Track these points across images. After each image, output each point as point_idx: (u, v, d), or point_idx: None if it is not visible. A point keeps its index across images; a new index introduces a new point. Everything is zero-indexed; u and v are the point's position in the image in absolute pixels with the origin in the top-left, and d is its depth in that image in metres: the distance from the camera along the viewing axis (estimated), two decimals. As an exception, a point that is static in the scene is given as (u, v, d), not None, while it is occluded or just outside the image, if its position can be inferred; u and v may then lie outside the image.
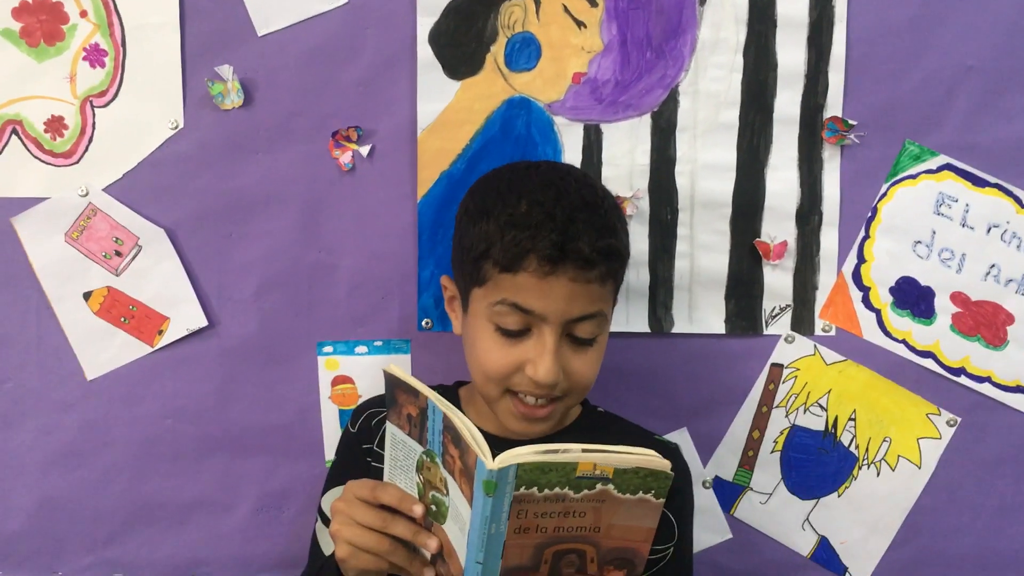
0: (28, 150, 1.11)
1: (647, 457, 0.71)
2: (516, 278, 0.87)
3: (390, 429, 0.83)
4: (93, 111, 1.10)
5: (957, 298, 1.13)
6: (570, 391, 0.91)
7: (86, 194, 1.11)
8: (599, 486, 0.71)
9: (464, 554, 0.75)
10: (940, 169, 1.11)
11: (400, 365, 1.04)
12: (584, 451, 0.70)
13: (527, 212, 0.87)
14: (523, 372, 0.89)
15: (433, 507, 0.79)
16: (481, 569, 0.73)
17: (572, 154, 1.12)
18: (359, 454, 1.01)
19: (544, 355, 0.87)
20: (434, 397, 0.75)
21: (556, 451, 0.70)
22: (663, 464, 0.72)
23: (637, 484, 0.72)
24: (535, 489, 0.71)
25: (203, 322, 1.12)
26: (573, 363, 0.90)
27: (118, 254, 1.11)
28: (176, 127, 1.10)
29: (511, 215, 0.87)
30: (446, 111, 1.10)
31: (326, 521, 0.96)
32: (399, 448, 0.82)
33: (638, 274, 1.13)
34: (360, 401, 1.11)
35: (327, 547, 0.99)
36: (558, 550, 0.75)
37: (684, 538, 0.99)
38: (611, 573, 0.77)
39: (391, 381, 0.81)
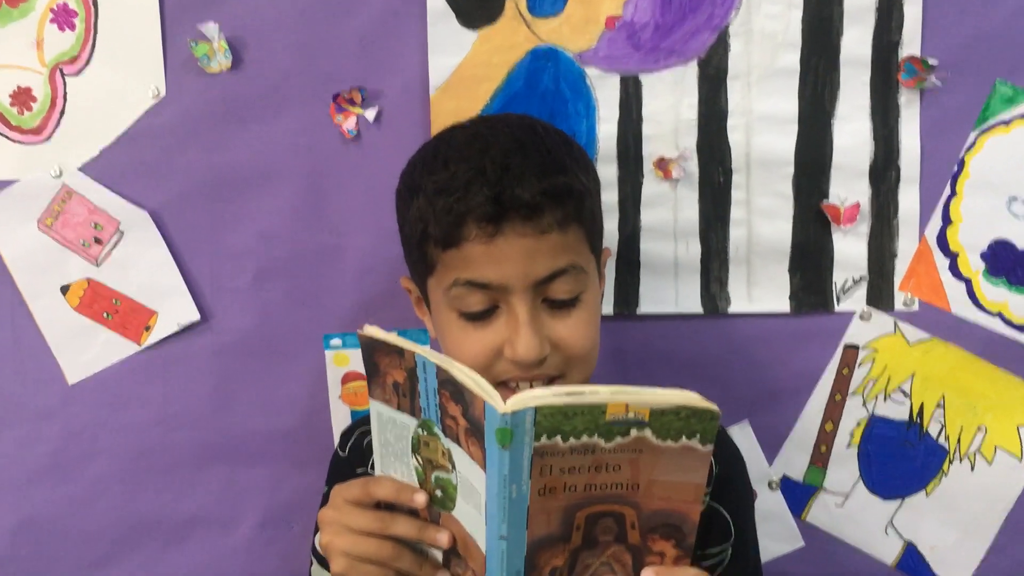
0: (-8, 127, 1.09)
1: (688, 397, 0.68)
2: (461, 251, 0.84)
3: (375, 408, 0.79)
4: (64, 80, 1.08)
5: (1061, 263, 1.08)
6: (566, 366, 0.87)
7: (59, 175, 1.09)
8: (634, 432, 0.68)
9: (483, 537, 0.72)
10: (1038, 113, 1.07)
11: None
12: (613, 393, 0.67)
13: (454, 174, 0.84)
14: (504, 357, 0.86)
15: (438, 492, 0.76)
16: (506, 546, 0.70)
17: (608, 110, 1.08)
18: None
19: (519, 329, 0.84)
20: (422, 350, 0.72)
21: (581, 393, 0.67)
22: (707, 404, 0.68)
23: (679, 427, 0.68)
24: (559, 438, 0.67)
25: (195, 316, 1.11)
26: (558, 330, 0.86)
27: (98, 241, 1.09)
28: (157, 96, 1.08)
29: (437, 182, 0.85)
30: (462, 66, 1.06)
31: (323, 563, 0.90)
32: (388, 429, 0.79)
33: (688, 246, 1.09)
34: (352, 418, 1.09)
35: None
36: (591, 513, 0.71)
37: (744, 536, 0.95)
38: (657, 543, 0.73)
39: (368, 345, 0.76)
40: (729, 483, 0.93)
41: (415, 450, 0.77)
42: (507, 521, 0.70)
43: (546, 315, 0.86)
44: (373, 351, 0.77)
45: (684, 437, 0.69)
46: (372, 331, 0.76)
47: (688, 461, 0.70)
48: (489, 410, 0.67)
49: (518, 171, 0.83)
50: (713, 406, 0.68)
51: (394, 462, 0.80)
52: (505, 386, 0.87)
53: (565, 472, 0.69)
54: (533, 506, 0.70)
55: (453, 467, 0.74)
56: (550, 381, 0.87)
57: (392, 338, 0.74)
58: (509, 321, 0.85)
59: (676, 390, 0.68)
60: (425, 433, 0.75)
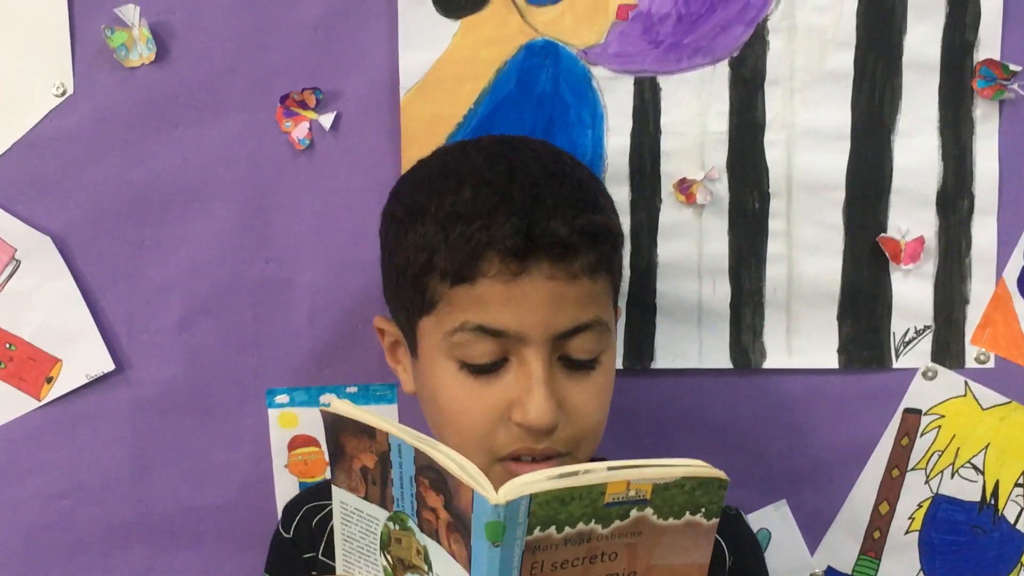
0: None
1: (693, 467, 0.70)
2: (475, 289, 0.83)
3: (338, 496, 0.79)
4: (-53, 74, 1.04)
5: None
6: (575, 439, 0.86)
7: (-60, 190, 1.04)
8: (634, 513, 0.69)
9: None
10: None
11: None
12: (611, 468, 0.68)
13: (474, 198, 0.83)
14: (509, 422, 0.84)
15: None
16: None
17: (619, 119, 1.03)
18: (299, 567, 0.95)
19: (533, 389, 0.83)
20: (399, 430, 0.72)
21: (576, 473, 0.68)
22: (714, 472, 0.69)
23: (683, 503, 0.70)
24: (553, 529, 0.68)
25: (109, 365, 1.06)
26: (573, 396, 0.85)
27: None
28: (64, 93, 1.03)
29: (453, 205, 0.83)
30: (440, 63, 1.03)
31: None
32: (354, 522, 0.79)
33: (715, 287, 1.06)
34: (293, 496, 1.04)
35: None
36: None
37: None
38: None
39: (333, 424, 0.76)
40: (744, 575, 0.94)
41: (384, 547, 0.76)
42: None
43: (561, 376, 0.85)
44: (339, 431, 0.76)
45: (688, 513, 0.70)
46: (339, 406, 0.75)
47: (691, 540, 0.71)
48: (479, 501, 0.66)
49: (552, 202, 0.82)
50: (721, 474, 0.69)
51: (359, 560, 0.78)
52: (506, 462, 0.85)
53: (557, 568, 0.69)
54: None
55: (429, 568, 0.73)
56: (554, 459, 0.85)
57: (363, 415, 0.74)
58: (520, 378, 0.83)
59: (679, 459, 0.70)
60: (397, 527, 0.75)
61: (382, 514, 0.76)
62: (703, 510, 0.70)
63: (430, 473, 0.70)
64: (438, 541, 0.72)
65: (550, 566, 0.69)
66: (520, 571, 0.68)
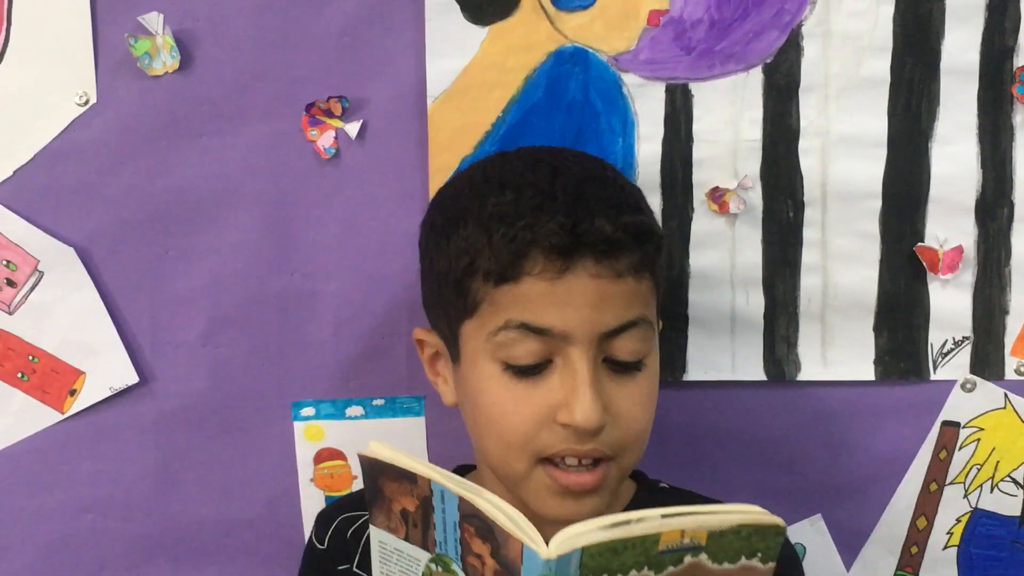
0: None
1: (750, 513, 0.70)
2: (519, 287, 0.84)
3: (376, 536, 0.78)
4: (-31, 83, 1.04)
5: None
6: (621, 443, 0.86)
7: (-39, 200, 1.05)
8: (688, 559, 0.69)
9: None
10: None
11: (411, 432, 1.03)
12: (665, 516, 0.68)
13: (517, 199, 0.85)
14: (554, 424, 0.84)
15: None
16: None
17: (650, 126, 1.03)
18: None
19: (578, 388, 0.83)
20: (441, 476, 0.72)
21: (628, 522, 0.68)
22: (772, 518, 0.69)
23: (738, 548, 0.70)
24: None
25: (132, 377, 1.06)
26: (618, 399, 0.85)
27: (10, 284, 1.05)
28: (86, 102, 1.03)
29: (496, 206, 0.85)
30: (468, 71, 1.02)
31: None
32: (392, 562, 0.78)
33: (748, 297, 1.05)
34: (327, 504, 1.04)
35: None
36: None
37: None
38: None
39: (371, 469, 0.76)
40: None
41: None
42: None
43: (606, 377, 0.85)
44: (377, 475, 0.76)
45: (743, 557, 0.70)
46: (378, 450, 0.74)
47: None
48: (528, 555, 0.66)
49: (595, 203, 0.84)
50: (779, 520, 0.69)
51: None
52: (550, 465, 0.86)
53: None
54: None
55: None
56: (601, 462, 0.85)
57: (402, 460, 0.73)
58: (565, 379, 0.84)
59: (735, 505, 0.70)
60: (440, 570, 0.74)
61: (423, 555, 0.76)
62: (759, 554, 0.70)
63: (475, 521, 0.71)
64: None
65: None
66: None
